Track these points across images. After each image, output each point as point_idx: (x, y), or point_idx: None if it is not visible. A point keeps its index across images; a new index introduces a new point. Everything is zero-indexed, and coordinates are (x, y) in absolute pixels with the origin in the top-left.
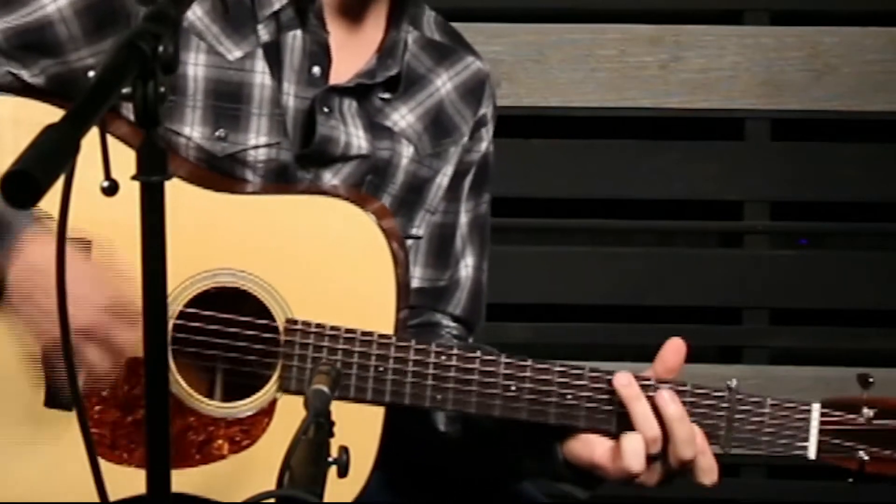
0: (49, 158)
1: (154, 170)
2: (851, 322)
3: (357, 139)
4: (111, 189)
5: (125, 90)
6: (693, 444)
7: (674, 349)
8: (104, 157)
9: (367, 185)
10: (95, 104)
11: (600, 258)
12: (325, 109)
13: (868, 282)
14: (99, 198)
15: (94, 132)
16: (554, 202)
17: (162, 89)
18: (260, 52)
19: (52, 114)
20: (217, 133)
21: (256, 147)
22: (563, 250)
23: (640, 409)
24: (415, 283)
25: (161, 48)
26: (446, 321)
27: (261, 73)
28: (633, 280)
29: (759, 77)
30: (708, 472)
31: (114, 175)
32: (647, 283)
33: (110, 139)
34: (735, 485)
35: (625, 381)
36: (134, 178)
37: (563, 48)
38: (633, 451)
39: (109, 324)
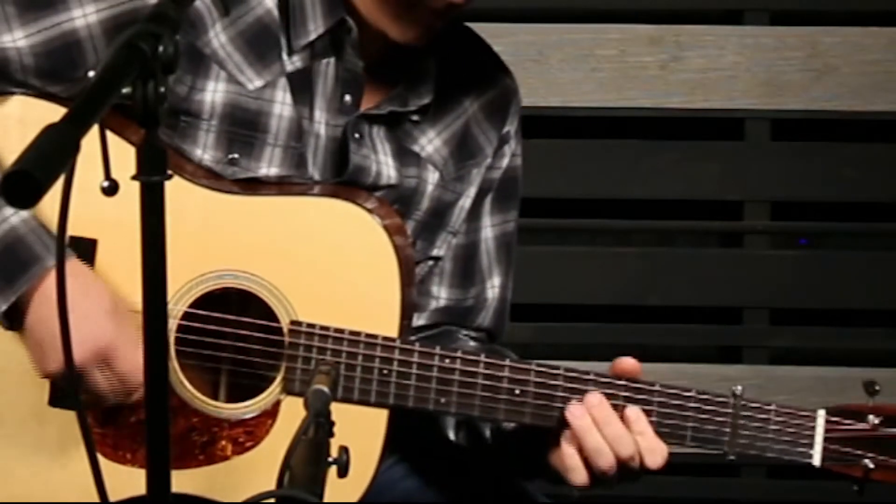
0: (49, 158)
1: (154, 170)
2: (851, 322)
3: (387, 168)
4: (111, 189)
5: (125, 90)
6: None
7: (625, 368)
8: (104, 157)
9: None
10: (95, 104)
11: (600, 258)
12: (357, 136)
13: (868, 282)
14: (103, 196)
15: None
16: (554, 202)
17: (162, 89)
18: (282, 82)
19: (59, 113)
20: (230, 156)
21: (267, 177)
22: (563, 250)
23: (591, 441)
24: (441, 303)
25: (161, 48)
26: (468, 331)
27: (280, 104)
28: (633, 280)
29: (759, 77)
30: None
31: (119, 174)
32: (647, 283)
33: (116, 139)
34: (735, 485)
35: (578, 413)
36: (134, 178)
37: (563, 48)
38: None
39: (100, 367)
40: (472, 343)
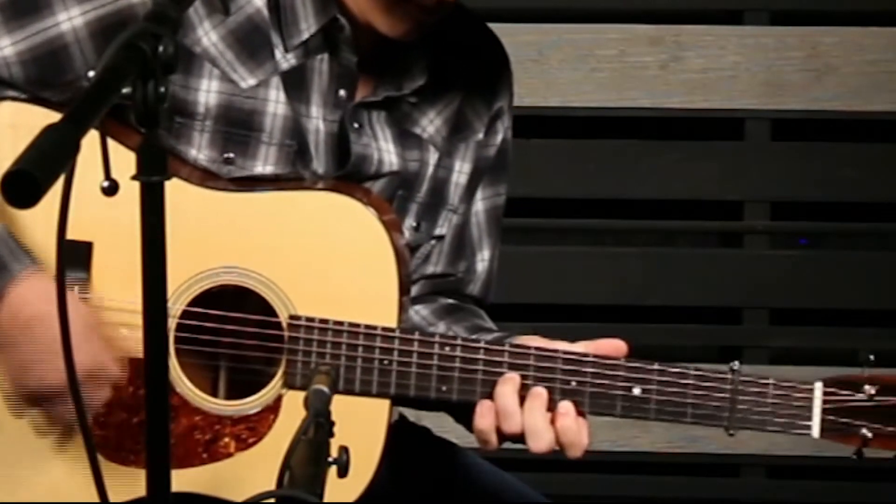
0: (49, 158)
1: (154, 170)
2: (851, 322)
3: (388, 155)
4: (111, 189)
5: (125, 90)
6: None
7: (612, 348)
8: (104, 157)
9: (397, 200)
10: (95, 104)
11: (600, 258)
12: (356, 125)
13: (868, 282)
14: (99, 199)
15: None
16: (554, 202)
17: (162, 89)
18: (275, 81)
19: (51, 118)
20: (225, 155)
21: (263, 175)
22: (563, 250)
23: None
24: (435, 277)
25: (161, 48)
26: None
27: (274, 102)
28: (633, 280)
29: (759, 77)
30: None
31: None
32: (647, 283)
33: (110, 142)
34: (735, 485)
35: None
36: (134, 177)
37: (563, 48)
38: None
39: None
40: (449, 300)
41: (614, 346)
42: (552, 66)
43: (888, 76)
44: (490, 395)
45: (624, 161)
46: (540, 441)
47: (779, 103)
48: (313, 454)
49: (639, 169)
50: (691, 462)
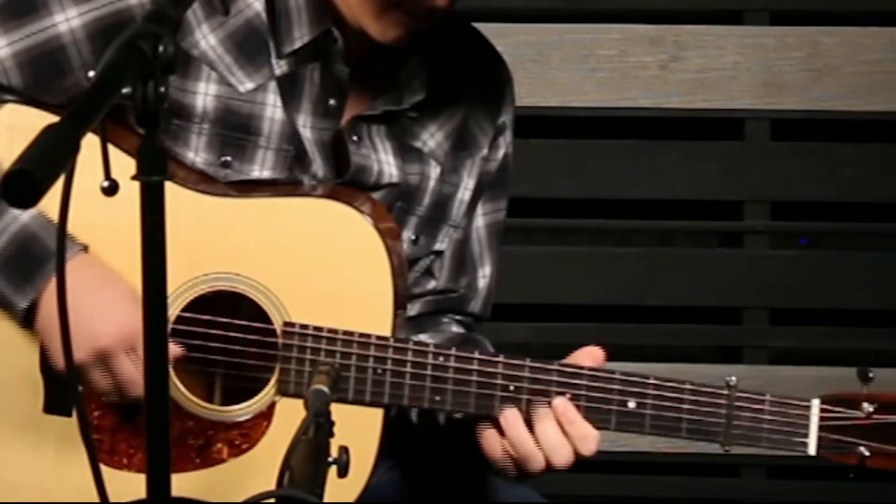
0: (49, 158)
1: (154, 170)
2: (851, 322)
3: (388, 166)
4: (111, 189)
5: (125, 90)
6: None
7: (589, 358)
8: (104, 157)
9: (396, 211)
10: (95, 104)
11: (600, 258)
12: (355, 138)
13: (868, 282)
14: (94, 203)
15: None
16: (554, 202)
17: (162, 89)
18: (272, 86)
19: (48, 120)
20: (223, 159)
21: (260, 179)
22: (563, 250)
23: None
24: (436, 294)
25: (161, 48)
26: (454, 315)
27: (272, 107)
28: (633, 280)
29: (759, 77)
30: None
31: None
32: (647, 283)
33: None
34: (735, 485)
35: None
36: (134, 178)
37: (563, 48)
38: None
39: (128, 353)
40: (454, 328)
41: (591, 356)
42: (552, 66)
43: (888, 76)
44: (484, 407)
45: (624, 161)
46: (562, 455)
47: (779, 103)
48: (313, 454)
49: (639, 169)
50: (691, 462)
